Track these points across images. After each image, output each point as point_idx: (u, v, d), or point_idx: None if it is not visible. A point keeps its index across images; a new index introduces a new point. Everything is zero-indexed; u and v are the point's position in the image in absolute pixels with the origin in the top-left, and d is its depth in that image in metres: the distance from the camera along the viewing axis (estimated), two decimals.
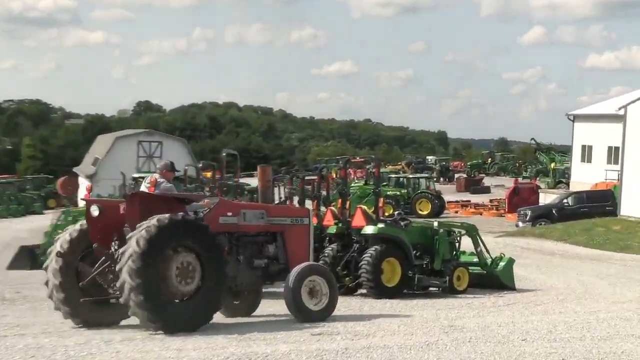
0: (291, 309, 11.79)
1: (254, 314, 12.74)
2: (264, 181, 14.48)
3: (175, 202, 11.48)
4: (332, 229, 17.71)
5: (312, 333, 10.41)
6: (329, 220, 17.89)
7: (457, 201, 50.65)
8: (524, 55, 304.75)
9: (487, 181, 67.84)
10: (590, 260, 25.89)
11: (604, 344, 9.93)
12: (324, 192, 20.75)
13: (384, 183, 46.82)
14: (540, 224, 36.01)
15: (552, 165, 59.64)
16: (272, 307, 13.24)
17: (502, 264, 17.97)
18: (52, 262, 11.42)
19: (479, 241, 18.21)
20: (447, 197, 48.16)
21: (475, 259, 18.19)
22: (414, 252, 17.13)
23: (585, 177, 50.32)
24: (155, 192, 11.69)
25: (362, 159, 35.01)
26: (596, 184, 43.78)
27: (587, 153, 52.11)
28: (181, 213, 11.04)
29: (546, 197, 43.02)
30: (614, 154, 46.80)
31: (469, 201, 51.01)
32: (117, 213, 11.46)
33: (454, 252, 17.88)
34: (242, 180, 34.69)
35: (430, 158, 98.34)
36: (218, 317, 11.60)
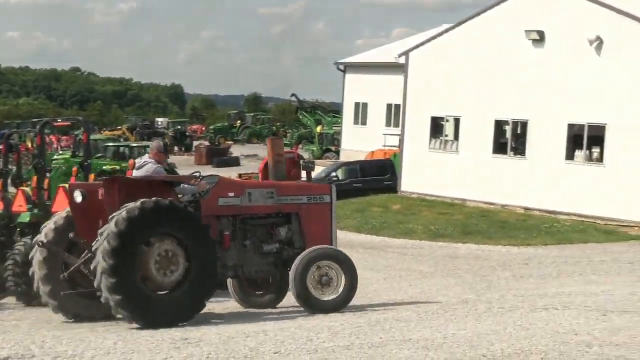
0: (297, 299, 13.85)
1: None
2: (274, 155, 15.25)
3: (162, 186, 13.27)
4: (25, 217, 17.46)
5: None
6: (20, 204, 17.53)
7: None
8: None
9: (236, 150, 68.89)
10: (364, 248, 27.16)
11: (376, 352, 10.54)
12: (13, 167, 20.19)
13: (99, 154, 46.23)
14: None
15: (319, 128, 61.51)
16: None
17: None
18: (37, 253, 13.61)
19: None
20: (183, 171, 48.37)
21: None
22: None
23: (359, 143, 52.42)
24: (138, 173, 13.58)
25: (68, 122, 34.36)
26: (372, 152, 45.83)
27: (361, 113, 54.33)
28: (170, 198, 12.84)
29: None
30: (394, 114, 49.30)
31: None
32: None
33: None
34: None
35: (161, 120, 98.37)
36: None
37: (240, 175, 52.15)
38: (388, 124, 51.81)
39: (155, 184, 13.32)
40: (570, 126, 30.76)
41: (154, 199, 12.69)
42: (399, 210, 34.08)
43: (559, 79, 30.97)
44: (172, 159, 52.84)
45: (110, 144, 51.28)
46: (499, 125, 33.56)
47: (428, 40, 36.82)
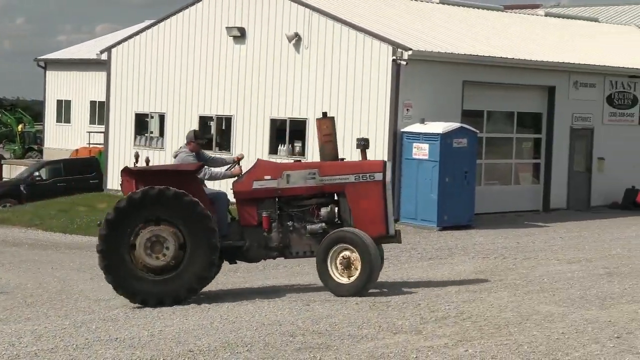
0: (321, 280, 14.10)
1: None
2: (321, 135, 14.75)
3: (181, 173, 14.17)
4: None
5: None
6: None
7: None
8: None
9: None
10: (70, 249, 26.63)
11: (81, 353, 10.38)
12: None
13: None
14: (5, 206, 36.01)
15: (20, 127, 59.89)
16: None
17: None
18: None
19: None
20: None
21: None
22: None
23: (63, 141, 51.39)
24: (174, 161, 15.00)
25: None
26: (77, 151, 45.05)
27: (64, 110, 53.25)
28: (160, 187, 13.63)
29: (12, 170, 43.11)
30: (99, 111, 48.61)
31: None
32: None
33: None
34: None
35: None
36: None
37: None
38: (92, 121, 51.10)
39: (173, 172, 14.33)
40: (273, 121, 31.38)
41: (143, 188, 13.74)
42: (106, 209, 33.36)
43: (260, 74, 31.52)
44: None
45: None
46: (204, 121, 33.75)
47: (130, 37, 36.48)
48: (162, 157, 34.15)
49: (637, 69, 33.47)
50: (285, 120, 30.92)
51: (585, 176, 32.39)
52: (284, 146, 31.06)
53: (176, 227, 13.81)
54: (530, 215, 29.82)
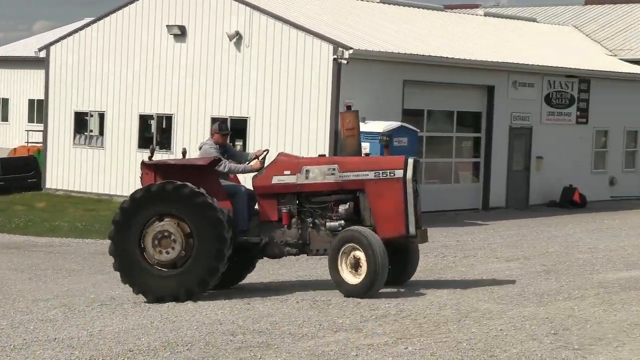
0: (332, 279, 13.69)
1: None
2: (344, 129, 14.47)
3: (200, 167, 14.03)
4: None
5: None
6: None
7: None
8: None
9: None
10: (8, 249, 26.33)
11: (19, 354, 10.29)
12: None
13: None
14: None
15: None
16: None
17: None
18: None
19: None
20: None
21: None
22: None
23: (1, 140, 50.85)
24: (198, 154, 14.85)
25: None
26: (15, 149, 44.57)
27: (2, 109, 52.71)
28: (161, 182, 13.77)
29: None
30: (37, 109, 48.14)
31: None
32: None
33: None
34: None
35: None
36: None
37: None
38: (31, 120, 50.60)
39: (190, 165, 14.23)
40: (214, 120, 31.23)
41: (145, 186, 13.93)
42: (44, 208, 33.28)
43: (201, 73, 31.40)
44: None
45: None
46: (144, 119, 33.56)
47: (70, 34, 36.12)
48: (102, 155, 33.92)
49: (575, 68, 33.94)
50: (227, 118, 30.84)
51: (524, 175, 32.76)
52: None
53: (182, 219, 13.77)
54: (469, 213, 30.07)
